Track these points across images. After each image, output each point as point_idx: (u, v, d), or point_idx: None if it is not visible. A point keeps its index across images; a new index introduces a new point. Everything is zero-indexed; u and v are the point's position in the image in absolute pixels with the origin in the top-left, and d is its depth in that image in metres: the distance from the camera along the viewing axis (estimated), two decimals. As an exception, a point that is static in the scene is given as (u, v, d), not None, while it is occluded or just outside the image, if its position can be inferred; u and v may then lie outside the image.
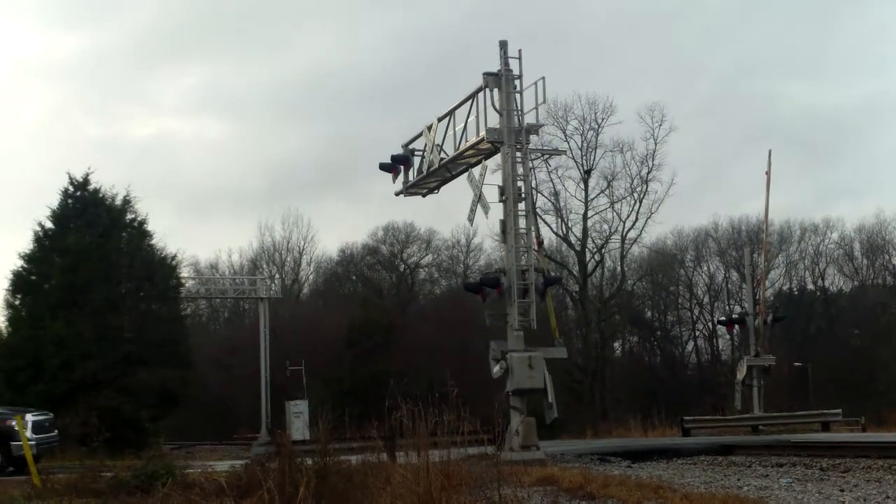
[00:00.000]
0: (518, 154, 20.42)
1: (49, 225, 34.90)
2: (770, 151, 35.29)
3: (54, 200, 35.21)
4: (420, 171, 23.55)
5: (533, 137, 21.80)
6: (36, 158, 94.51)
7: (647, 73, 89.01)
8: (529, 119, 20.79)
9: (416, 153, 23.75)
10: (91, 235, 34.15)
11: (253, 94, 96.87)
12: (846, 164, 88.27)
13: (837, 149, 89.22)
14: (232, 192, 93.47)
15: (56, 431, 22.65)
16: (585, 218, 55.75)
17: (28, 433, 20.48)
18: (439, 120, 22.57)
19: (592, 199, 55.69)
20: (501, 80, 20.43)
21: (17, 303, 34.73)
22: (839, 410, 32.85)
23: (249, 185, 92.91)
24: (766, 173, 34.97)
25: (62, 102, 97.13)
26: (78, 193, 35.22)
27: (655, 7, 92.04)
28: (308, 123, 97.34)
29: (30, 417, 21.21)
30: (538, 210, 45.98)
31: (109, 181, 63.29)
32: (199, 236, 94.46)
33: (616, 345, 64.55)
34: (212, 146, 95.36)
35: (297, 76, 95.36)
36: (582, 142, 55.13)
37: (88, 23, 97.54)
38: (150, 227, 36.31)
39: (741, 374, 34.33)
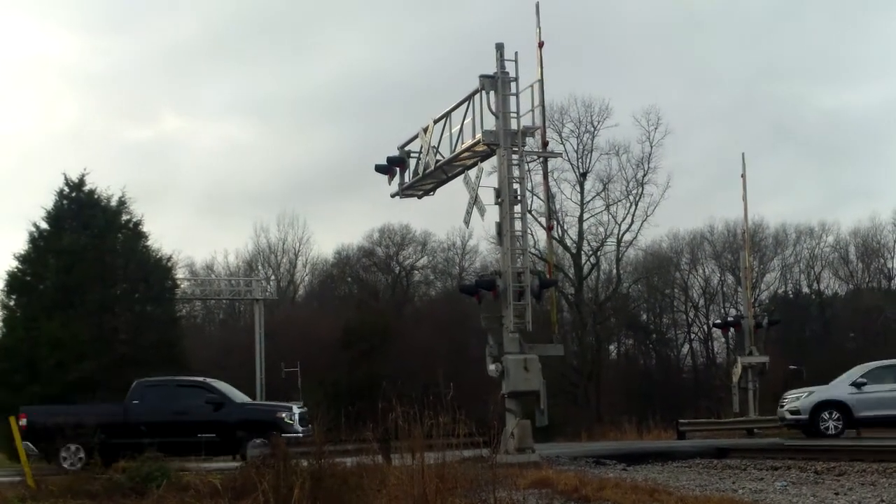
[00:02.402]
0: (514, 156, 20.43)
1: (44, 225, 34.86)
2: (743, 154, 35.51)
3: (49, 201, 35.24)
4: (416, 172, 23.53)
5: (529, 140, 21.84)
6: (59, 162, 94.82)
7: (662, 79, 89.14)
8: (526, 121, 20.84)
9: (412, 155, 23.73)
10: (86, 236, 34.11)
11: (275, 98, 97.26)
12: (861, 167, 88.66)
13: (853, 152, 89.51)
14: (248, 195, 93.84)
15: (310, 425, 22.94)
16: (581, 220, 55.91)
17: (296, 425, 20.86)
18: (435, 122, 22.56)
19: (588, 202, 55.86)
20: (497, 83, 20.43)
21: (11, 303, 34.69)
22: (834, 414, 32.83)
23: (266, 188, 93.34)
24: (742, 176, 35.17)
25: (86, 108, 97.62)
26: (73, 194, 35.17)
27: (678, 16, 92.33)
28: (327, 127, 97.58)
29: (296, 409, 21.50)
30: (533, 213, 46.02)
31: (132, 184, 63.62)
32: (213, 238, 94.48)
33: (611, 347, 64.56)
34: (230, 149, 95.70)
35: (319, 82, 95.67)
36: (578, 144, 55.31)
37: (118, 30, 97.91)
38: (151, 228, 36.41)
39: (737, 376, 34.38)
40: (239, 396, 22.67)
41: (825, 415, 23.89)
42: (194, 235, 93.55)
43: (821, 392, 24.49)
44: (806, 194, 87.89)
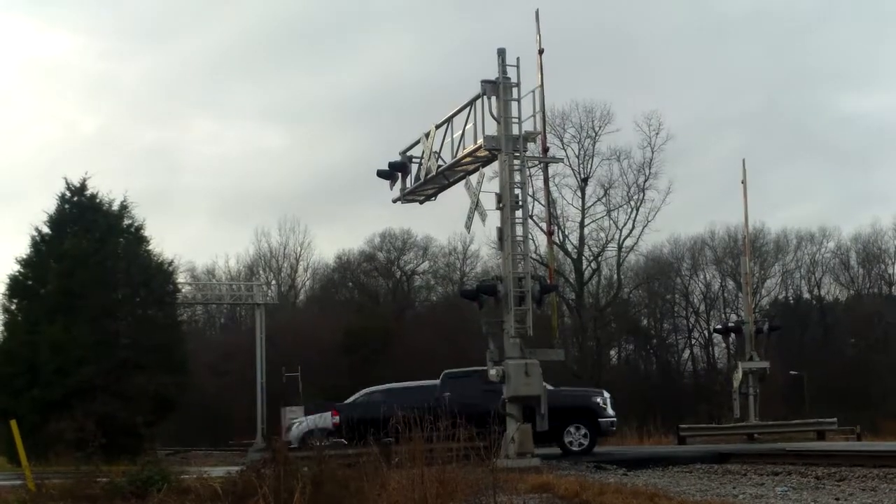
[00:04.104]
0: (516, 162, 20.45)
1: (46, 230, 34.89)
2: (744, 161, 35.56)
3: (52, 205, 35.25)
4: (417, 178, 23.55)
5: (531, 145, 21.85)
6: (73, 169, 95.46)
7: (685, 84, 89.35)
8: (528, 127, 20.86)
9: (413, 160, 23.75)
10: (88, 241, 34.11)
11: (284, 107, 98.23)
12: (880, 172, 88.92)
13: (872, 157, 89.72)
14: (255, 201, 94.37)
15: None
16: (582, 226, 55.99)
17: (609, 409, 21.46)
18: (437, 127, 22.59)
19: (589, 207, 55.92)
20: (499, 88, 20.47)
21: (13, 308, 34.70)
22: (835, 419, 32.89)
23: (270, 194, 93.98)
24: (742, 182, 35.18)
25: (110, 115, 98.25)
26: (75, 199, 35.19)
27: (701, 23, 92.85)
28: (334, 134, 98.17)
29: (606, 394, 21.84)
30: (534, 218, 46.02)
31: (146, 189, 63.80)
32: (220, 242, 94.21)
33: (612, 353, 64.59)
34: (240, 155, 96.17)
35: (328, 90, 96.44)
36: (579, 150, 55.38)
37: (154, 40, 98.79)
38: (163, 232, 36.39)
39: (737, 381, 34.39)
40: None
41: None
42: (207, 239, 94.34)
43: (310, 421, 24.37)
44: (825, 199, 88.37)
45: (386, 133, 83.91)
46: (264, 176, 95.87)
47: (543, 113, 21.31)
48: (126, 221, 35.74)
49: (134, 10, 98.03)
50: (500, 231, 20.46)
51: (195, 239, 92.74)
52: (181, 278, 45.92)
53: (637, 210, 55.57)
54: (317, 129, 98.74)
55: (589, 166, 55.53)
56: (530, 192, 41.82)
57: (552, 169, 52.12)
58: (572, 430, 20.93)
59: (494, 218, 20.69)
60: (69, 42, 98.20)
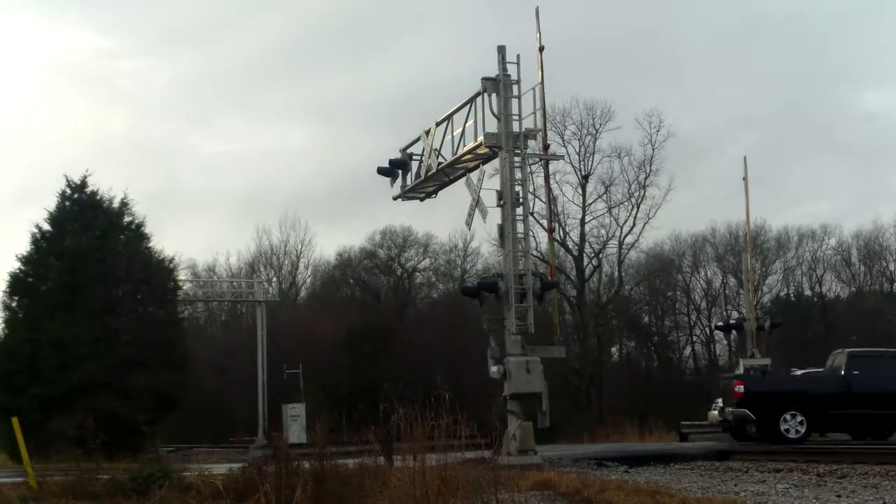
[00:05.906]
0: (516, 159, 20.44)
1: (46, 227, 34.89)
2: (745, 158, 35.50)
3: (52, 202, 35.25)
4: (418, 175, 23.54)
5: (531, 142, 21.83)
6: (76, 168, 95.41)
7: (712, 84, 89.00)
8: (529, 124, 20.84)
9: (414, 158, 23.75)
10: (88, 238, 34.11)
11: (309, 107, 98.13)
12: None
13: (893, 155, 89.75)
14: (274, 198, 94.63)
15: None
16: (583, 223, 55.92)
17: None
18: (437, 124, 22.58)
19: (590, 205, 55.89)
20: (499, 85, 20.45)
21: (13, 305, 34.71)
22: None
23: (272, 194, 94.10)
24: (744, 179, 35.14)
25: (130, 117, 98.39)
26: (75, 196, 35.19)
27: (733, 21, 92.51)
28: (334, 133, 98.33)
29: None
30: (535, 215, 45.91)
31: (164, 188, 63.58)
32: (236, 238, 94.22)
33: (613, 350, 64.58)
34: (274, 153, 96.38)
35: (330, 91, 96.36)
36: (580, 147, 55.35)
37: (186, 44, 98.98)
38: (159, 230, 36.36)
39: (738, 379, 34.32)
40: None
41: None
42: (220, 238, 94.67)
43: None
44: (842, 197, 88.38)
45: (386, 131, 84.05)
46: (268, 175, 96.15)
47: (544, 110, 21.32)
48: (126, 218, 35.75)
49: (164, 11, 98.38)
50: (501, 228, 20.44)
51: (208, 238, 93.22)
52: (182, 275, 45.92)
53: (638, 207, 55.57)
54: (320, 129, 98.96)
55: (590, 163, 55.54)
56: (531, 189, 41.49)
57: (553, 166, 52.07)
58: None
59: (495, 215, 20.70)
60: (95, 43, 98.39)
